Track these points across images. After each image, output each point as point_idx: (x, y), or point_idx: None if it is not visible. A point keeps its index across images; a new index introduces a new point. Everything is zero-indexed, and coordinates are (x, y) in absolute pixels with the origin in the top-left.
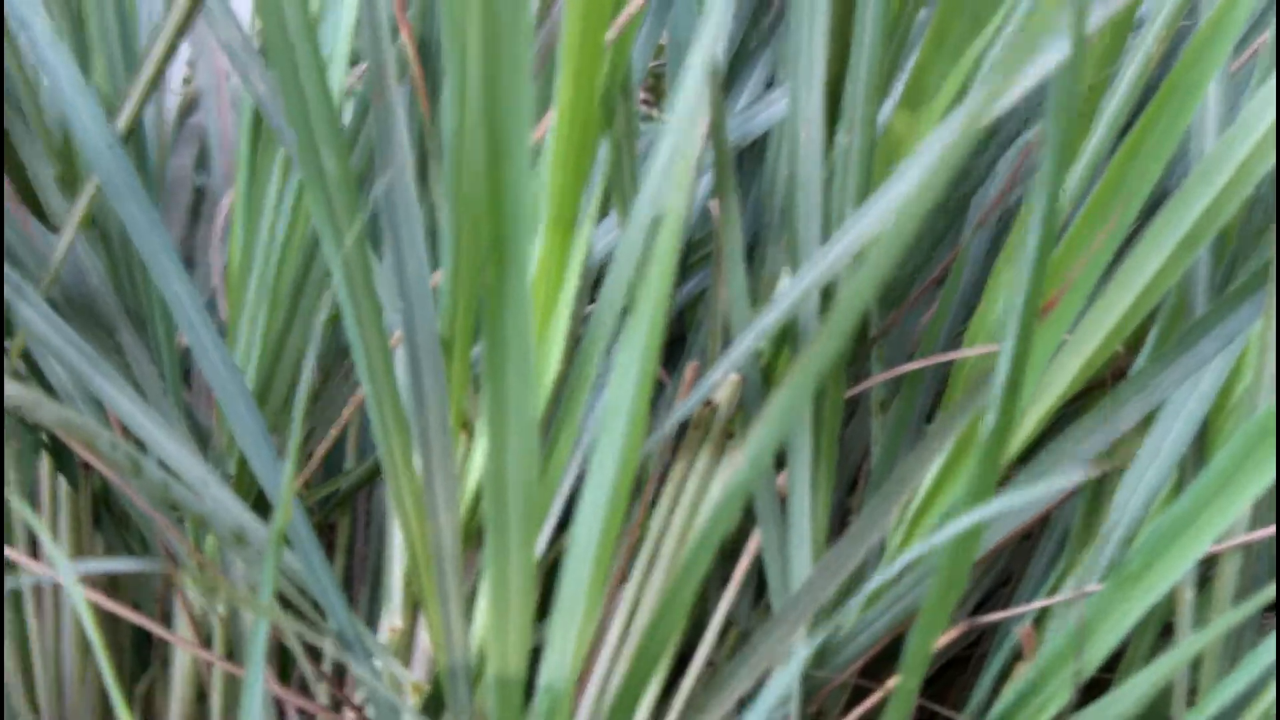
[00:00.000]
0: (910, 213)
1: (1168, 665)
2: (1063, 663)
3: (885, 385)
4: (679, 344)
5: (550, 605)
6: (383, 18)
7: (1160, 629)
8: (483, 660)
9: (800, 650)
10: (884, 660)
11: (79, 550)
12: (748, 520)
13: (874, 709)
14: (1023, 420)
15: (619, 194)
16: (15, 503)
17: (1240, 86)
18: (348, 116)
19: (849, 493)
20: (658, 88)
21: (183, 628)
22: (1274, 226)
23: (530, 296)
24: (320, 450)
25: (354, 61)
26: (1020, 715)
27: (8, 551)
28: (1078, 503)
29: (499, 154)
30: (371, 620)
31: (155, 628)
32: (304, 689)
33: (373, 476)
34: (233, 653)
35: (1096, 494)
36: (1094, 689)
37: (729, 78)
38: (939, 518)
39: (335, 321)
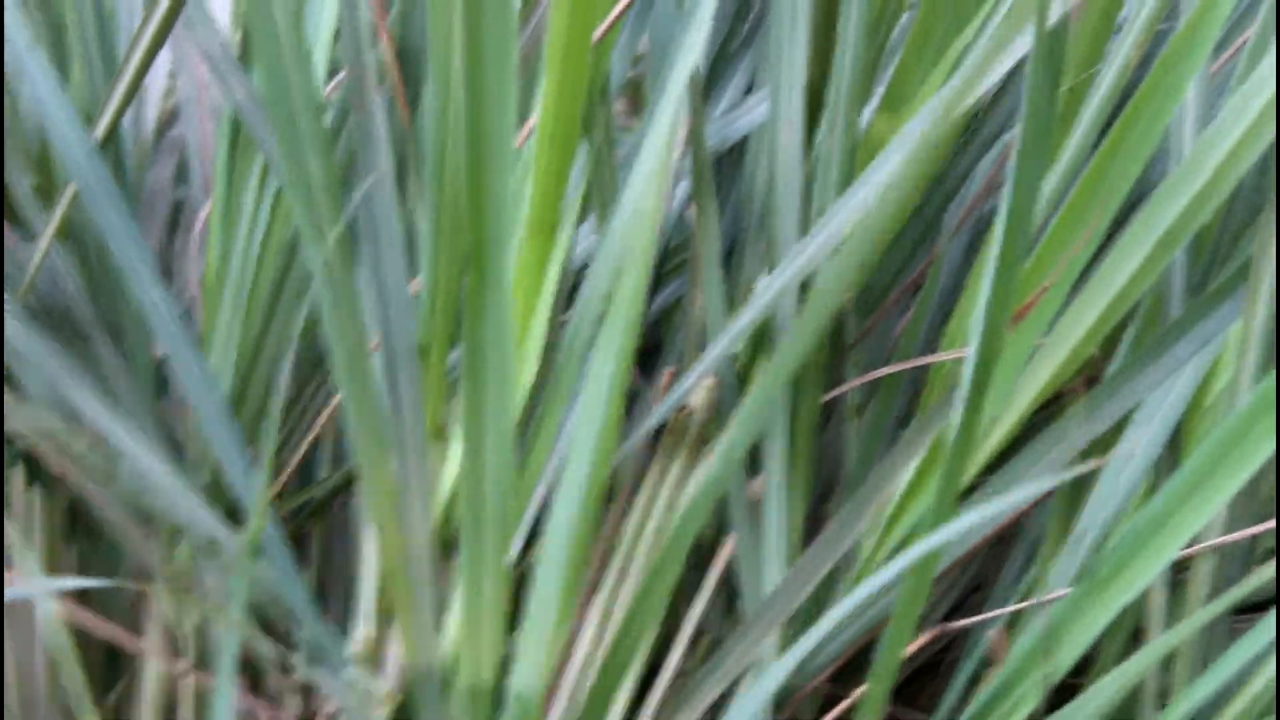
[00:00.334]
0: (888, 200)
1: (1137, 666)
2: (1032, 666)
3: (861, 390)
4: (656, 352)
5: (521, 613)
6: (363, 25)
7: (1132, 634)
8: (454, 669)
9: (775, 669)
10: (855, 667)
11: (51, 560)
12: (720, 528)
13: (845, 715)
14: (996, 425)
15: (598, 199)
16: None
17: (1219, 88)
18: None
19: (824, 499)
20: (635, 96)
21: (154, 637)
22: (1253, 227)
23: (511, 302)
24: (295, 459)
25: (331, 71)
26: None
27: None
28: (1052, 506)
29: (482, 159)
30: (344, 629)
31: (125, 639)
32: (275, 699)
33: (347, 485)
34: (204, 662)
35: (1071, 498)
36: (1066, 695)
37: (709, 81)
38: (912, 524)
39: (310, 331)
